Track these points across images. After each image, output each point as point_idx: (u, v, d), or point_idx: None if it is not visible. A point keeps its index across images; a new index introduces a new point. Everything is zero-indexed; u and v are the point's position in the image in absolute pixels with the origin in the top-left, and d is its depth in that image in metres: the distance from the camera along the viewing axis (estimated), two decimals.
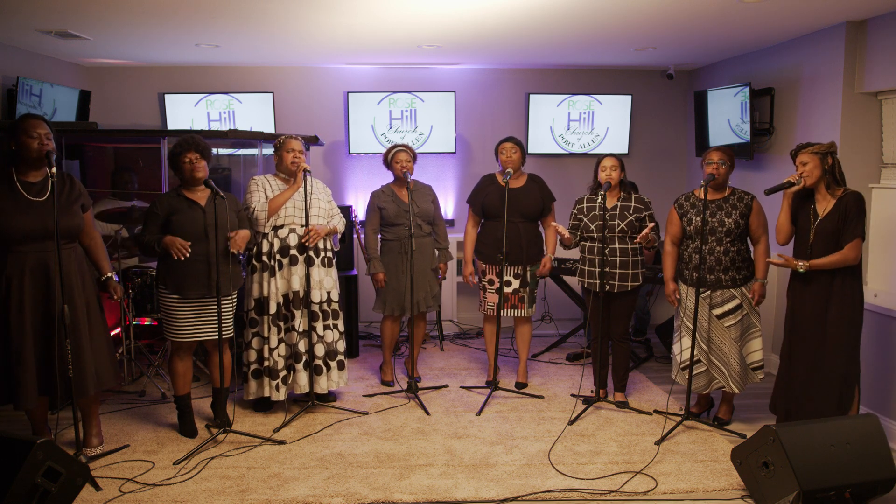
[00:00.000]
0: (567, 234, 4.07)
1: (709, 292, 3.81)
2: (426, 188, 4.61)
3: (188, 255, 3.51)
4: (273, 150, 4.09)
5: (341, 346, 4.17)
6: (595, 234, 4.13)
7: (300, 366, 3.99)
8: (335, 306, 4.13)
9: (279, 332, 3.98)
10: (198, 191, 3.69)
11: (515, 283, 4.45)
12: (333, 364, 4.12)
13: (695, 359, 3.86)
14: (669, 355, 4.42)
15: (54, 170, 3.09)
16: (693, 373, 3.87)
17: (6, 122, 4.53)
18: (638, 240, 3.98)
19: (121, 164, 5.50)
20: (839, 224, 3.36)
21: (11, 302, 3.15)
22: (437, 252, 4.61)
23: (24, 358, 3.16)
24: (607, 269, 4.11)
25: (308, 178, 3.96)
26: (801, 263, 3.39)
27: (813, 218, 3.46)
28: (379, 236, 4.55)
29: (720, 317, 3.82)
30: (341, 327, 4.18)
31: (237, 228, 3.73)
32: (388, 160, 4.47)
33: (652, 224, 3.98)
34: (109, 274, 3.45)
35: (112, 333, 4.78)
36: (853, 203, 3.35)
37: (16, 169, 3.19)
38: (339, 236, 4.20)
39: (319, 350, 4.03)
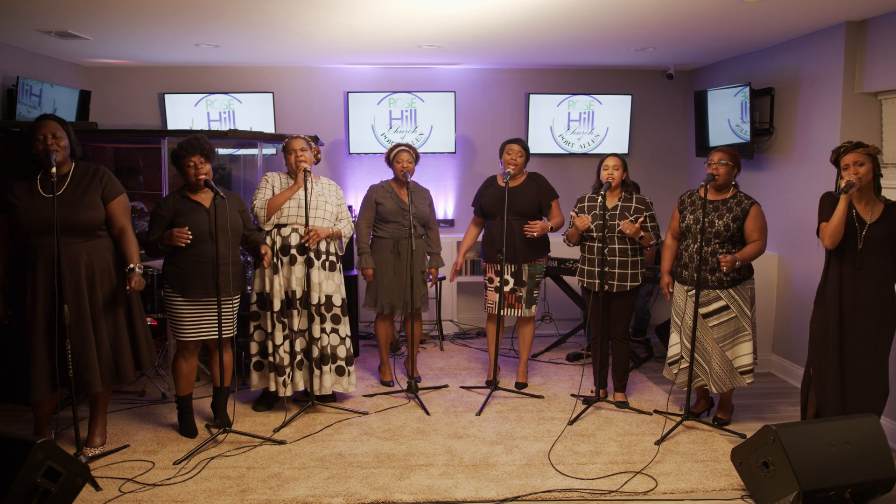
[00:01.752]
0: (579, 224, 4.11)
1: (694, 291, 3.81)
2: (424, 191, 4.63)
3: (190, 238, 3.52)
4: (282, 151, 4.11)
5: (343, 351, 4.15)
6: (594, 234, 4.13)
7: (295, 363, 4.02)
8: (337, 311, 4.11)
9: (283, 329, 3.99)
10: (201, 192, 3.69)
11: (512, 283, 4.46)
12: (329, 368, 4.10)
13: (679, 356, 3.87)
14: None
15: (54, 170, 3.13)
16: (679, 368, 3.91)
17: (7, 122, 4.55)
18: (620, 228, 4.00)
19: (125, 166, 5.48)
20: (889, 231, 3.28)
21: (38, 296, 3.22)
22: (428, 256, 4.62)
23: (45, 351, 3.22)
24: (607, 269, 4.11)
25: (309, 177, 3.97)
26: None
27: (859, 224, 3.32)
28: (371, 231, 4.55)
29: (705, 316, 3.83)
30: (344, 332, 4.15)
31: (240, 228, 3.77)
32: (390, 159, 4.48)
33: (641, 218, 4.00)
34: (132, 265, 3.41)
35: None
36: None
37: (43, 167, 3.30)
38: (344, 241, 4.19)
39: (314, 352, 4.04)
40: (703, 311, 3.82)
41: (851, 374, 3.36)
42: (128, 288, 3.38)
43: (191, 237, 3.52)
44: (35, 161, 3.29)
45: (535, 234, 4.30)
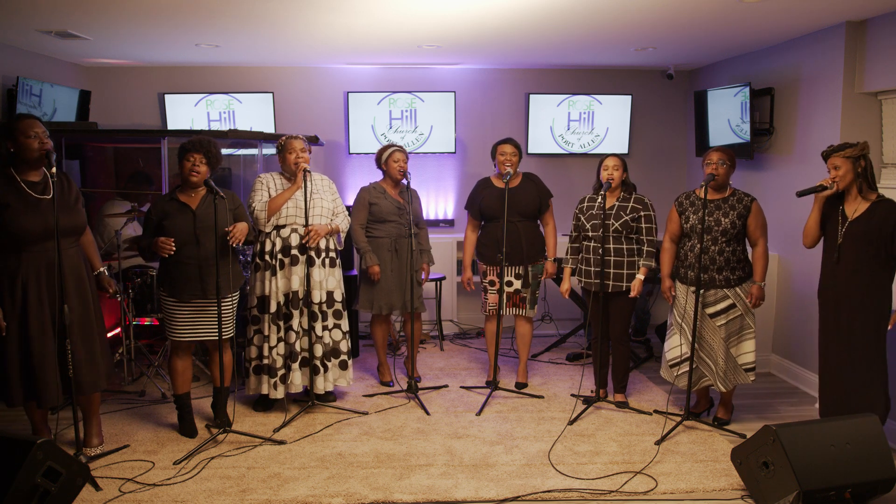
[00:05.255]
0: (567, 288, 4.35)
1: (702, 291, 3.81)
2: (414, 191, 4.63)
3: (174, 250, 3.50)
4: (276, 151, 4.10)
5: (345, 345, 4.18)
6: (591, 234, 4.14)
7: (296, 365, 4.02)
8: (338, 306, 4.14)
9: (279, 331, 3.99)
10: (193, 192, 3.67)
11: (517, 283, 4.46)
12: (333, 364, 4.13)
13: (685, 357, 3.87)
14: None
15: (54, 169, 3.08)
16: (682, 370, 3.90)
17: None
18: (633, 294, 4.10)
19: (136, 170, 5.39)
20: (869, 228, 3.28)
21: (30, 301, 3.15)
22: (420, 254, 4.62)
23: (47, 357, 3.18)
24: (606, 270, 4.11)
25: (308, 176, 3.97)
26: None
27: (842, 220, 3.36)
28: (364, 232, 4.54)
29: (712, 315, 3.83)
30: (345, 327, 4.19)
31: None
32: (384, 160, 4.46)
33: (641, 278, 4.08)
34: (101, 269, 3.48)
35: (112, 333, 4.81)
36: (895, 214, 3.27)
37: (15, 169, 3.15)
38: (342, 235, 4.20)
39: (317, 350, 4.04)
40: (710, 310, 3.83)
41: (851, 372, 3.37)
42: (110, 292, 3.47)
43: (174, 249, 3.50)
44: (7, 163, 3.14)
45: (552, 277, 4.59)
